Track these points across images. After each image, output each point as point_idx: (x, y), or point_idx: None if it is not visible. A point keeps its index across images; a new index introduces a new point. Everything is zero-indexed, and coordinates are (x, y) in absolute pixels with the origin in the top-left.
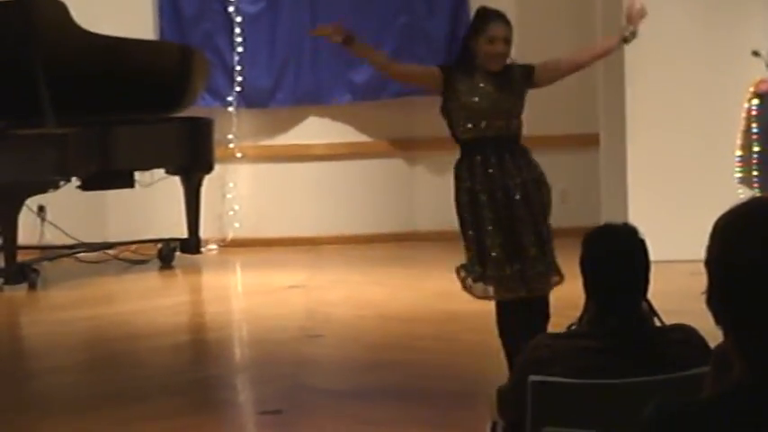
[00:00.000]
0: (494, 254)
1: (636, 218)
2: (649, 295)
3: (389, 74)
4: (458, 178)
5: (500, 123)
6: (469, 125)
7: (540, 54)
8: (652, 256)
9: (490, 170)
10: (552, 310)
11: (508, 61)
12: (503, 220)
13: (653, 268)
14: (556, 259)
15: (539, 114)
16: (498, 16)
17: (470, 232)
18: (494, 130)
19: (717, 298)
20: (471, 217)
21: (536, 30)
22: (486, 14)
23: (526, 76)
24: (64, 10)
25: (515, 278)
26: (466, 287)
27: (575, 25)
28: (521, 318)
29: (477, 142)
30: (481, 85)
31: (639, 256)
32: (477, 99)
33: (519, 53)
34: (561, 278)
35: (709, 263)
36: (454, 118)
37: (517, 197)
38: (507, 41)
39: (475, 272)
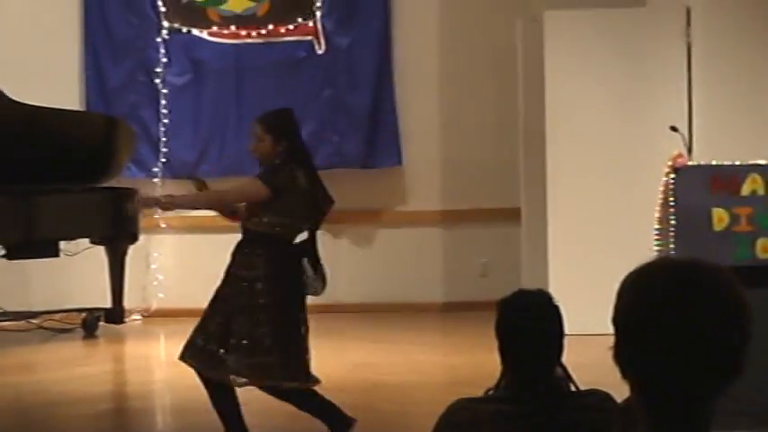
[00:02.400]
0: None
1: (555, 291)
2: (568, 367)
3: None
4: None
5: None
6: None
7: (465, 113)
8: (570, 330)
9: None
10: (471, 377)
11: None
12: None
13: (571, 341)
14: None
15: (460, 188)
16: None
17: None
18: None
19: (620, 353)
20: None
21: (458, 88)
22: None
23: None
24: None
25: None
26: None
27: (497, 100)
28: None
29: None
30: None
31: (553, 321)
32: None
33: (443, 105)
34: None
35: (614, 318)
36: None
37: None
38: (257, 137)
39: None
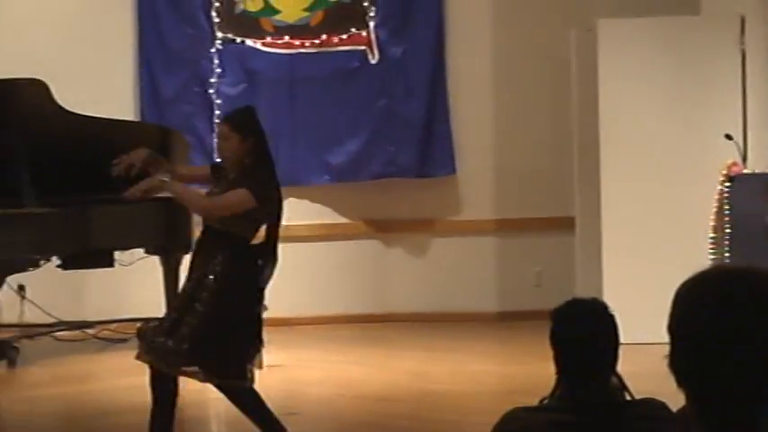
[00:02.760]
0: None
1: (610, 300)
2: (623, 376)
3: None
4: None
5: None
6: None
7: (518, 121)
8: (625, 339)
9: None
10: (526, 387)
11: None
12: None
13: (626, 350)
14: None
15: (514, 197)
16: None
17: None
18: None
19: (675, 361)
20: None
21: (513, 98)
22: None
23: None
24: (45, 90)
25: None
26: None
27: (551, 109)
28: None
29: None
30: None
31: (608, 330)
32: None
33: (497, 114)
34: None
35: (670, 326)
36: None
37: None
38: (223, 137)
39: None
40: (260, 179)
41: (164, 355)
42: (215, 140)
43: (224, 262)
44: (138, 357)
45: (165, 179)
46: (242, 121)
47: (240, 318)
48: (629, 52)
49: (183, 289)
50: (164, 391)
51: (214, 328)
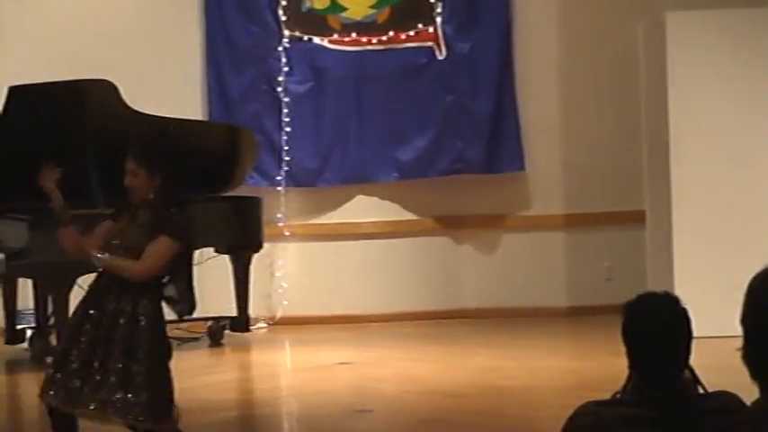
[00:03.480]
0: None
1: (682, 293)
2: (696, 370)
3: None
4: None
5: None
6: None
7: (587, 116)
8: (698, 332)
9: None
10: (597, 381)
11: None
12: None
13: (698, 344)
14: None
15: (584, 192)
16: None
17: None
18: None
19: (749, 354)
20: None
21: (581, 93)
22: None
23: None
24: (114, 91)
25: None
26: None
27: (619, 103)
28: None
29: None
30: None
31: (681, 325)
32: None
33: (566, 109)
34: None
35: (743, 319)
36: None
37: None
38: (131, 172)
39: None
40: (174, 220)
41: (125, 409)
42: (126, 179)
43: (150, 303)
44: (54, 403)
45: (100, 256)
46: (150, 155)
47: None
48: (697, 44)
49: (95, 332)
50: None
51: (163, 373)
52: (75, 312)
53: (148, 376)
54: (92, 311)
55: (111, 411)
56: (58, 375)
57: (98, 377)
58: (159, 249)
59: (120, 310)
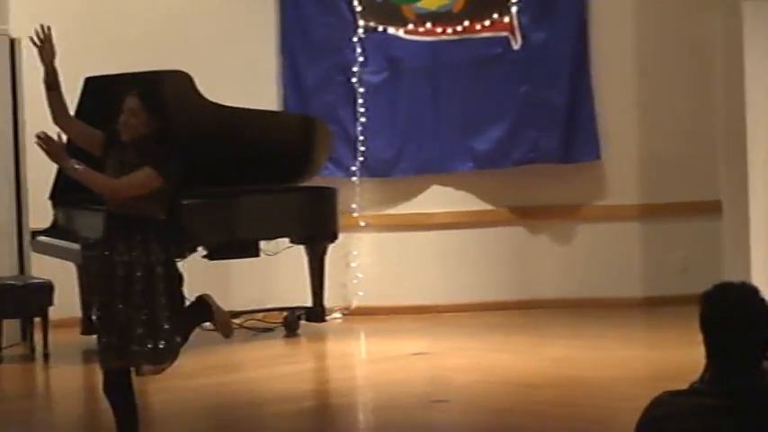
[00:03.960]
0: None
1: (759, 283)
2: None
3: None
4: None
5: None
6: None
7: (663, 105)
8: None
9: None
10: (674, 372)
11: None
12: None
13: None
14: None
15: (659, 182)
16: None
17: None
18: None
19: None
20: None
21: (657, 82)
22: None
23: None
24: (189, 82)
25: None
26: None
27: (695, 92)
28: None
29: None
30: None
31: (758, 314)
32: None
33: (641, 98)
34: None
35: None
36: None
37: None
38: (133, 113)
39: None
40: (161, 155)
41: (159, 355)
42: (122, 116)
43: (162, 248)
44: (109, 365)
45: (78, 167)
46: (155, 103)
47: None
48: None
49: (112, 279)
50: (126, 395)
51: (183, 315)
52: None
53: (173, 322)
54: (105, 270)
55: (143, 361)
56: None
57: (125, 330)
58: (140, 175)
59: (133, 262)
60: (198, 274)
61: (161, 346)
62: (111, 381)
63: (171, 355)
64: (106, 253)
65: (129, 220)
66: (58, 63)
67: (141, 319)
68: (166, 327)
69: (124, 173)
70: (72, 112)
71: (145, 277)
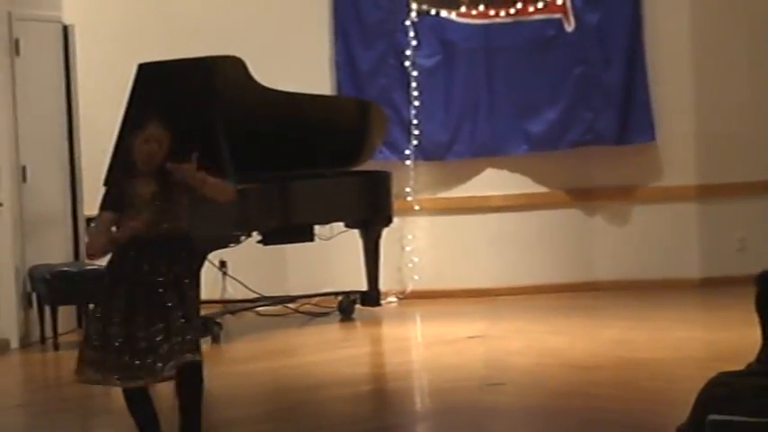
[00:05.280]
0: None
1: None
2: None
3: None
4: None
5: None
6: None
7: (718, 86)
8: None
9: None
10: (731, 353)
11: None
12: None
13: None
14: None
15: (715, 162)
16: (153, 116)
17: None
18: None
19: None
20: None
21: (711, 62)
22: (148, 111)
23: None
24: (243, 67)
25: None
26: None
27: (752, 70)
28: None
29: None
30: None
31: None
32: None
33: (696, 79)
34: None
35: None
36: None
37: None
38: (159, 142)
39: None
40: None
41: (182, 350)
42: (145, 147)
43: (188, 262)
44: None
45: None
46: (174, 125)
47: None
48: None
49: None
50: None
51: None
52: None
53: (188, 314)
54: (121, 285)
55: (161, 366)
56: (99, 354)
57: (143, 345)
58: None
59: (153, 272)
60: (253, 259)
61: (174, 343)
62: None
63: (193, 347)
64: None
65: (164, 237)
66: (112, 49)
67: (158, 328)
68: (180, 325)
69: (157, 202)
70: (126, 99)
71: (165, 288)
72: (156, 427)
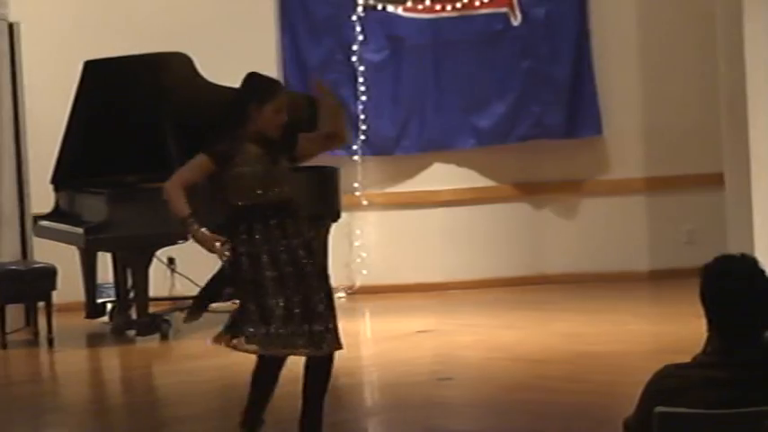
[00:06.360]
0: (278, 312)
1: (762, 255)
2: None
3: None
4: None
5: (276, 189)
6: (247, 193)
7: (665, 79)
8: None
9: (271, 233)
10: (679, 345)
11: None
12: (285, 278)
13: None
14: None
15: (662, 155)
16: (281, 86)
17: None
18: (269, 197)
19: None
20: (252, 278)
21: (658, 56)
22: (270, 83)
23: (289, 147)
24: (190, 63)
25: (298, 335)
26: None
27: (697, 63)
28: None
29: (255, 208)
30: (256, 154)
31: (759, 285)
32: (248, 169)
33: (643, 72)
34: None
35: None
36: (230, 188)
37: (301, 253)
38: (282, 111)
39: (247, 332)
40: None
41: (333, 338)
42: (279, 115)
43: (314, 230)
44: (266, 350)
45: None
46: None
47: None
48: None
49: (281, 276)
50: (272, 379)
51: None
52: (245, 267)
53: (331, 304)
54: (264, 257)
55: (322, 341)
56: (269, 329)
57: (302, 315)
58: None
59: (294, 246)
60: (201, 255)
61: (330, 328)
62: (268, 365)
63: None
64: (264, 258)
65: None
66: (56, 47)
67: (319, 298)
68: (325, 310)
69: (273, 166)
70: (71, 97)
71: (309, 261)
72: (266, 404)
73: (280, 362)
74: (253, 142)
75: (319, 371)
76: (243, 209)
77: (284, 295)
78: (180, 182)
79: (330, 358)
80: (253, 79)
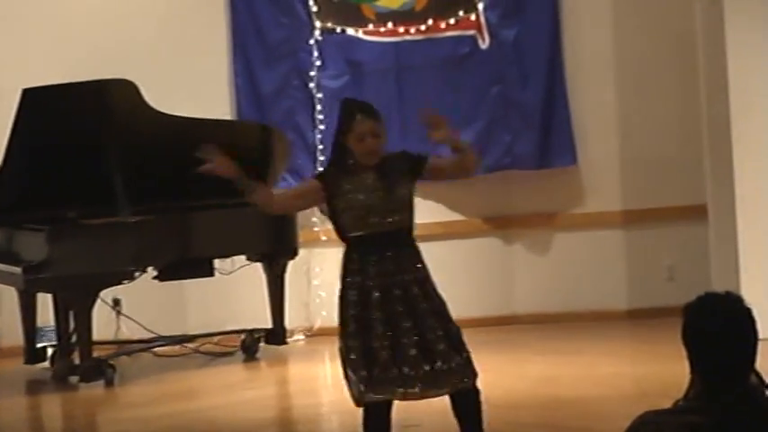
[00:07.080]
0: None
1: (748, 293)
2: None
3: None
4: (346, 276)
5: (391, 218)
6: (359, 222)
7: (643, 105)
8: (765, 334)
9: (384, 266)
10: (662, 388)
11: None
12: (394, 318)
13: (765, 346)
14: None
15: (641, 186)
16: (362, 110)
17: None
18: (384, 225)
19: None
20: (358, 315)
21: (636, 79)
22: (350, 110)
23: (414, 166)
24: (135, 90)
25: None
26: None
27: (677, 90)
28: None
29: (370, 238)
30: (367, 181)
31: (745, 325)
32: (362, 197)
33: (620, 98)
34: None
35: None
36: (342, 218)
37: (415, 291)
38: (376, 135)
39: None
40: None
41: (461, 371)
42: (362, 143)
43: (422, 261)
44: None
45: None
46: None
47: None
48: (759, 23)
49: (390, 312)
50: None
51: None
52: (349, 302)
53: (460, 332)
54: (376, 293)
55: (443, 381)
56: (372, 372)
57: (415, 353)
58: None
59: (405, 279)
60: (149, 296)
61: (463, 358)
62: (377, 414)
63: (470, 368)
64: (376, 294)
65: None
66: None
67: (439, 335)
68: (458, 340)
69: (390, 192)
70: (9, 126)
71: (423, 292)
72: None
73: (386, 409)
74: (362, 171)
75: (465, 408)
76: (355, 240)
77: (390, 338)
78: (284, 206)
79: (473, 392)
80: (340, 107)
